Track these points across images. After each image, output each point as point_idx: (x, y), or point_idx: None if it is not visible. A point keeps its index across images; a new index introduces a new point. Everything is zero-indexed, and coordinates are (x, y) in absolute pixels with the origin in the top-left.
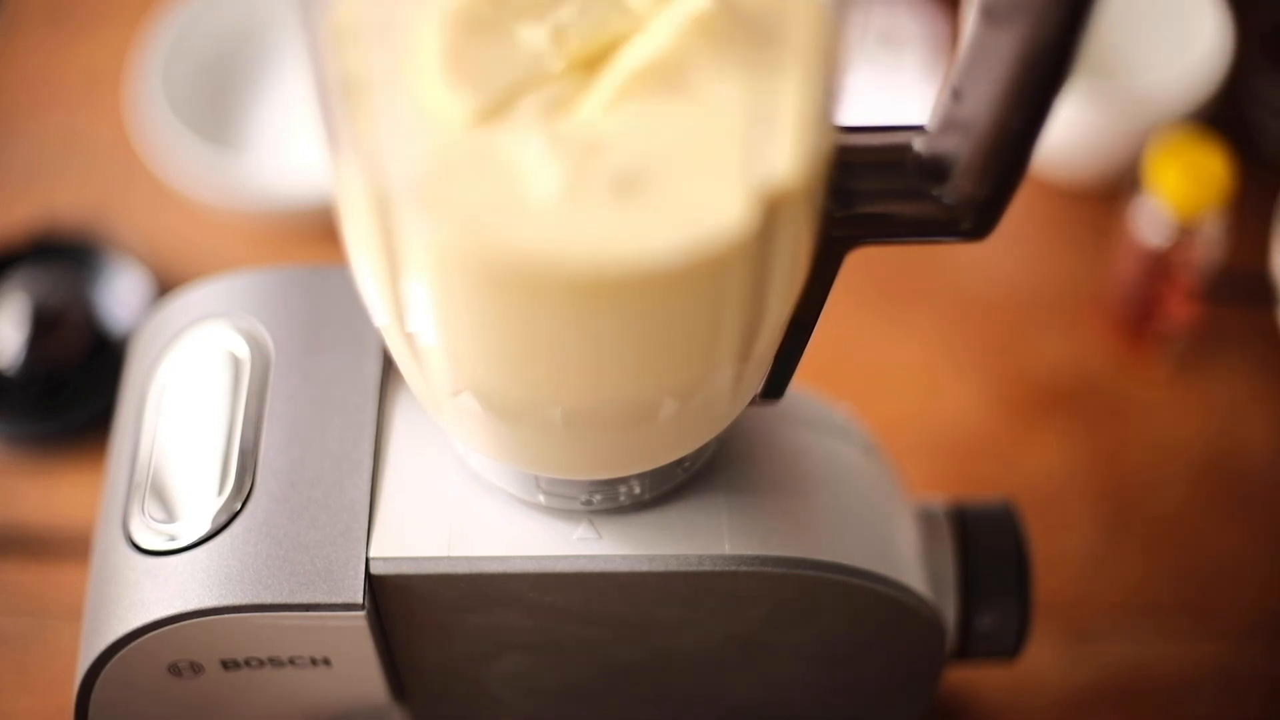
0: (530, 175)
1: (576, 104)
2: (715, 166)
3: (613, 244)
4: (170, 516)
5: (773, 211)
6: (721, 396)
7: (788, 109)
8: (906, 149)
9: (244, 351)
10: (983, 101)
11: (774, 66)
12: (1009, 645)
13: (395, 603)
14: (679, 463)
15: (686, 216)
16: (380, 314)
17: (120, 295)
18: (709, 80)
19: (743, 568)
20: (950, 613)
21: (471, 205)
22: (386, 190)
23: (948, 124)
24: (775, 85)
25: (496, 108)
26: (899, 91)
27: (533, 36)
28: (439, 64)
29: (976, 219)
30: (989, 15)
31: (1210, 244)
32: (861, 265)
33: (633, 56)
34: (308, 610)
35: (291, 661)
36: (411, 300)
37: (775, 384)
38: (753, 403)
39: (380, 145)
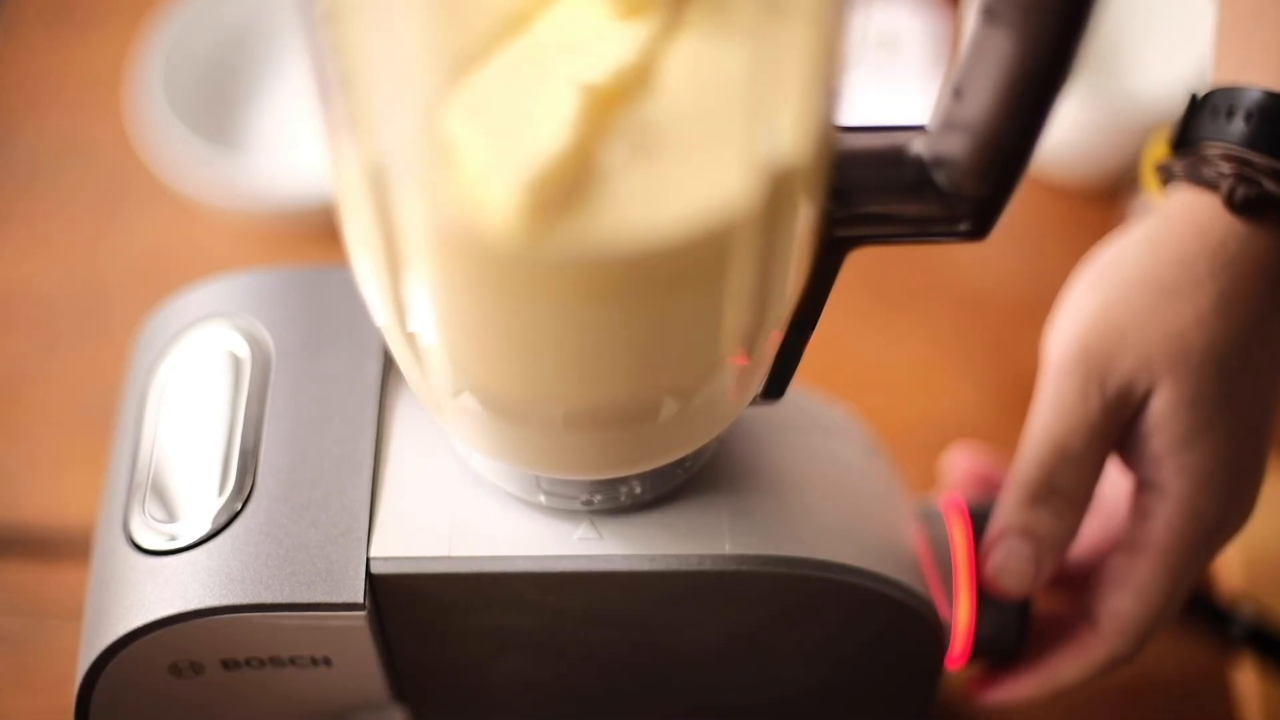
0: (530, 147)
1: (580, 77)
2: (720, 141)
3: (613, 215)
4: (171, 516)
5: (776, 189)
6: (722, 396)
7: (792, 84)
8: (906, 149)
9: (244, 351)
10: (983, 102)
11: (779, 40)
12: (1009, 645)
13: (396, 602)
14: (680, 463)
15: (692, 189)
16: (381, 313)
17: None
18: (713, 54)
19: (743, 567)
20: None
21: (467, 180)
22: (382, 168)
23: (948, 124)
24: (780, 60)
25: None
26: (899, 91)
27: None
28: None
29: (976, 219)
30: (990, 16)
31: None
32: (862, 265)
33: (635, 33)
34: (308, 610)
35: (292, 661)
36: (412, 298)
37: (776, 384)
38: (753, 403)
39: (376, 120)
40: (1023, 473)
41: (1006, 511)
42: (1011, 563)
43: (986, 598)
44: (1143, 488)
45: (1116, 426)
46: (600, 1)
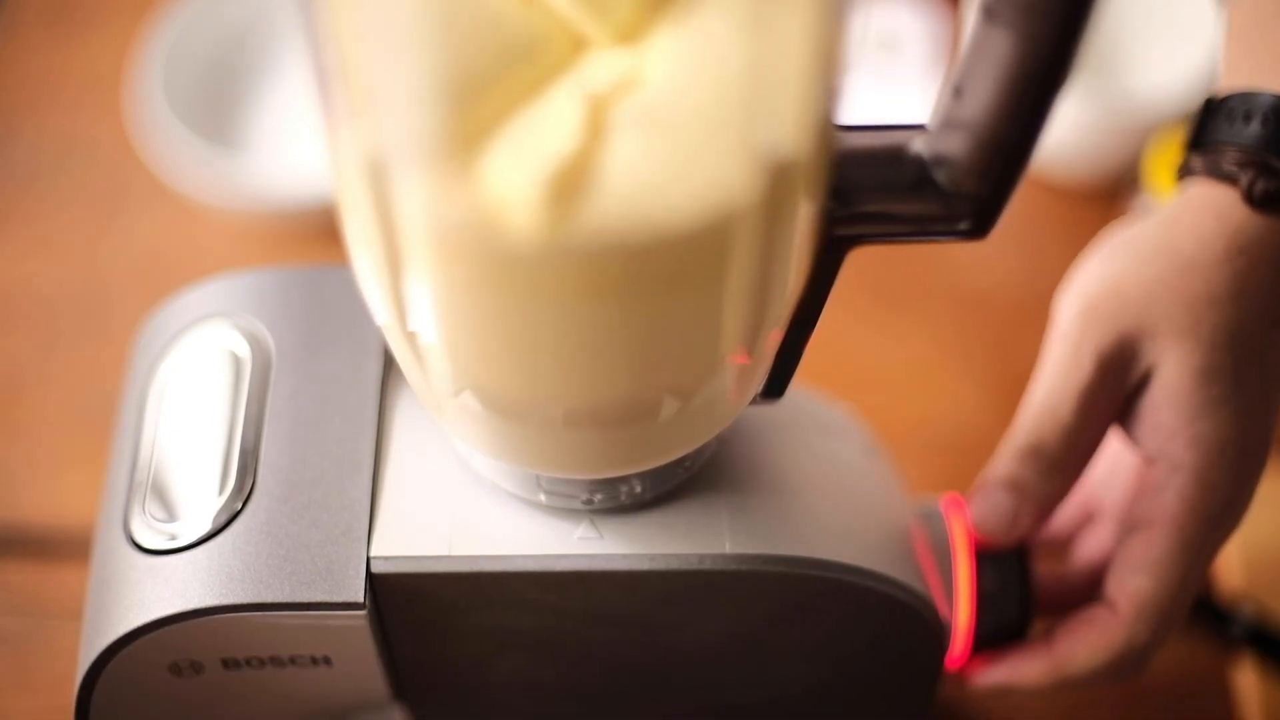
0: (541, 146)
1: (577, 74)
2: (721, 135)
3: (618, 209)
4: (171, 516)
5: (776, 183)
6: (722, 395)
7: (791, 79)
8: (906, 148)
9: (245, 351)
10: (983, 101)
11: (777, 33)
12: (1010, 621)
13: (396, 602)
14: (680, 462)
15: (694, 182)
16: (381, 312)
17: None
18: (713, 49)
19: (743, 567)
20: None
21: (474, 176)
22: (383, 162)
23: (948, 123)
24: (778, 54)
25: (486, 74)
26: (899, 91)
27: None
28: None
29: (976, 218)
30: (990, 15)
31: None
32: (862, 265)
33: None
34: (309, 609)
35: (292, 661)
36: (413, 297)
37: (776, 383)
38: (753, 402)
39: (376, 112)
40: (1016, 430)
41: (997, 463)
42: (992, 511)
43: (986, 587)
44: (1153, 462)
45: (1113, 392)
46: (593, 31)
